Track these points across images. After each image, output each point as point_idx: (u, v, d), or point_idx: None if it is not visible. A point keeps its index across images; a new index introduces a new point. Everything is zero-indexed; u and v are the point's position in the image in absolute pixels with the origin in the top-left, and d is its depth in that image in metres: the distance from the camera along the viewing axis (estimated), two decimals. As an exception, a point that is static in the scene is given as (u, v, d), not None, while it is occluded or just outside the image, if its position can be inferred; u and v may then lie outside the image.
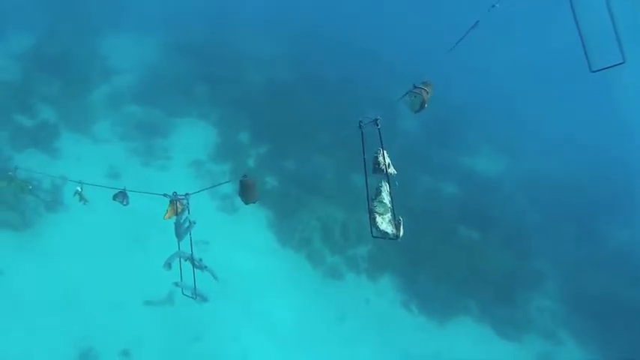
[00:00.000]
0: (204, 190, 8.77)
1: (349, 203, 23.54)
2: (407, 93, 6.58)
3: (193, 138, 25.53)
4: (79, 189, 8.92)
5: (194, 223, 8.75)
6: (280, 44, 35.06)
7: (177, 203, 8.49)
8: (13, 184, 8.84)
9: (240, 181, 7.91)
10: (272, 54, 33.64)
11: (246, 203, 8.04)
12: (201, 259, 9.20)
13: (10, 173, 8.76)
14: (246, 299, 18.35)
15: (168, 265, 9.43)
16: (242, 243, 20.43)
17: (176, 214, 8.75)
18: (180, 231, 8.98)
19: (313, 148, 25.76)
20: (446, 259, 22.87)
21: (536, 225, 27.35)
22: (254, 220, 22.07)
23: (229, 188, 23.07)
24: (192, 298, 9.19)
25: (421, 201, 25.96)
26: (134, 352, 15.39)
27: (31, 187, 8.92)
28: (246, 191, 8.00)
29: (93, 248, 17.46)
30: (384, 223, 7.14)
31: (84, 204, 8.96)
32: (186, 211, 8.70)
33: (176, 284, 9.32)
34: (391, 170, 6.96)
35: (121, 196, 8.94)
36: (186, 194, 8.45)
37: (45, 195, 18.05)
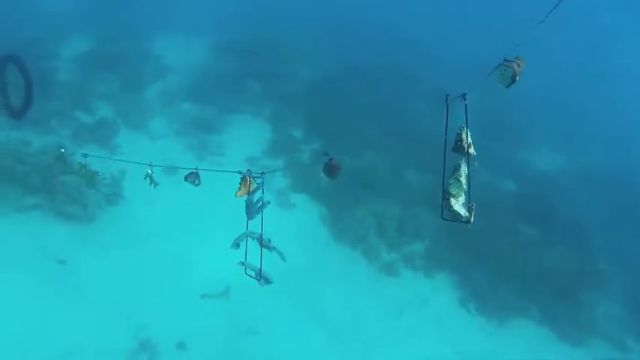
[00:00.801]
0: (278, 170, 8.47)
1: (404, 199, 23.09)
2: (497, 67, 6.13)
3: (246, 134, 25.62)
4: (149, 172, 8.84)
5: (268, 202, 8.51)
6: (331, 37, 34.83)
7: (250, 181, 8.30)
8: (84, 172, 8.85)
9: (326, 164, 7.66)
10: (322, 48, 33.42)
11: (332, 179, 7.82)
12: (269, 240, 8.94)
13: (79, 162, 8.77)
14: (302, 294, 18.09)
15: (237, 244, 9.25)
16: (298, 238, 20.20)
17: (248, 192, 8.56)
18: (251, 210, 8.77)
19: (366, 143, 25.36)
20: (505, 258, 21.95)
21: (599, 223, 25.85)
22: (309, 215, 21.89)
23: (284, 183, 23.09)
24: (255, 279, 8.94)
25: (477, 197, 25.13)
26: (190, 344, 15.36)
27: (100, 174, 8.87)
28: (332, 172, 7.77)
29: (152, 241, 17.70)
30: (458, 205, 6.70)
31: (154, 187, 8.88)
32: (260, 191, 8.49)
33: (241, 264, 9.11)
34: (472, 151, 6.53)
35: (193, 176, 8.84)
36: (262, 173, 8.23)
37: (106, 188, 18.40)
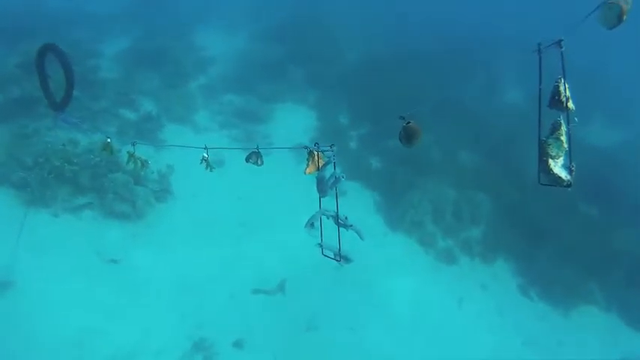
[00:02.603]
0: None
1: (458, 181, 22.02)
2: (600, 5, 5.17)
3: (293, 122, 24.92)
4: (205, 155, 8.17)
5: (342, 177, 7.67)
6: (374, 19, 33.76)
7: (319, 156, 7.50)
8: (134, 160, 8.31)
9: (404, 128, 6.70)
10: (366, 30, 32.40)
11: (409, 147, 6.85)
12: (346, 217, 8.13)
13: (129, 151, 8.23)
14: (361, 286, 17.25)
15: (311, 224, 8.46)
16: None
17: (318, 168, 7.77)
18: (324, 187, 7.97)
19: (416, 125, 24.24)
20: (566, 241, 20.70)
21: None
22: (362, 203, 21.07)
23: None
24: (334, 259, 8.21)
25: (532, 177, 23.84)
26: (247, 342, 14.77)
27: (150, 162, 8.29)
28: (411, 137, 6.80)
29: (202, 236, 17.18)
30: (557, 167, 5.82)
31: (210, 171, 8.22)
32: (331, 165, 7.68)
33: (319, 245, 8.36)
34: (571, 105, 5.60)
35: (255, 156, 8.07)
36: (332, 145, 7.40)
37: (154, 184, 18.03)
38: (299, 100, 26.81)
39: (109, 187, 17.20)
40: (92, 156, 17.73)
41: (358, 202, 21.04)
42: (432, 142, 23.44)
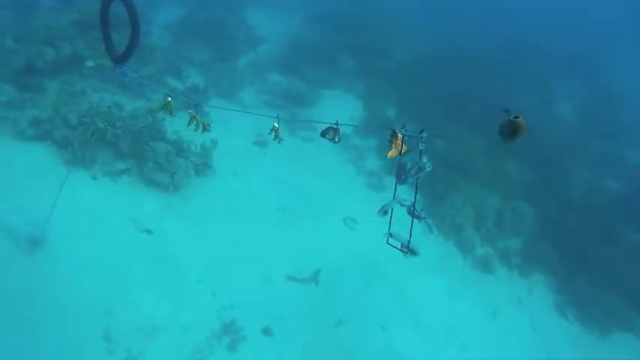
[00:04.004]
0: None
1: (503, 190, 21.21)
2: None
3: (338, 110, 24.18)
4: (276, 125, 7.70)
5: (428, 166, 7.16)
6: (431, 14, 32.89)
7: (402, 140, 7.01)
8: (196, 122, 7.87)
9: (510, 122, 6.12)
10: (422, 25, 31.60)
11: (508, 142, 6.31)
12: (422, 209, 7.66)
13: (190, 111, 7.78)
14: (395, 285, 16.62)
15: (384, 211, 8.03)
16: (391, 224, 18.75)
17: (400, 153, 7.25)
18: (404, 174, 7.47)
19: (465, 128, 23.50)
20: (608, 264, 19.80)
21: None
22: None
23: (376, 164, 21.73)
24: (401, 250, 7.77)
25: (579, 196, 23.06)
26: (276, 330, 14.29)
27: (212, 127, 7.85)
28: (515, 133, 6.22)
29: (240, 216, 16.65)
30: None
31: (279, 142, 7.77)
32: (416, 153, 7.17)
33: (389, 234, 7.91)
34: None
35: (332, 132, 7.57)
36: (422, 131, 6.88)
37: (195, 157, 17.61)
38: (347, 89, 26.22)
39: (150, 155, 16.79)
40: (136, 122, 17.38)
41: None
42: (480, 147, 22.64)
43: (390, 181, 21.03)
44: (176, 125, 18.14)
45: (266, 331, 14.10)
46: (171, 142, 17.34)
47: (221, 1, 29.34)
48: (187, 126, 8.17)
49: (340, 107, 24.51)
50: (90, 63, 8.05)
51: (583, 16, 40.39)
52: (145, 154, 16.75)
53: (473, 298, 17.83)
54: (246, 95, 23.52)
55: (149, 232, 15.38)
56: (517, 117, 6.03)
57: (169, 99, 8.39)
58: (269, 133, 7.89)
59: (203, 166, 17.69)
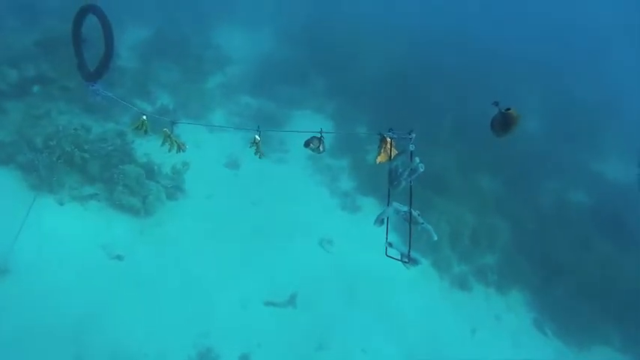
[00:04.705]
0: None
1: (477, 206, 21.31)
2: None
3: (309, 130, 24.14)
4: (257, 137, 7.42)
5: (420, 168, 6.96)
6: (398, 33, 33.21)
7: (392, 144, 6.86)
8: (170, 141, 7.52)
9: (502, 114, 6.03)
10: (390, 43, 31.82)
11: (501, 136, 6.25)
12: (419, 214, 7.42)
13: (165, 129, 7.44)
14: (374, 307, 16.44)
15: (381, 220, 7.78)
16: (367, 245, 18.54)
17: (390, 158, 7.08)
18: (397, 179, 7.26)
19: (435, 144, 23.62)
20: (584, 278, 20.03)
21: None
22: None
23: (349, 185, 21.61)
24: (400, 261, 7.53)
25: (549, 209, 23.39)
26: (255, 357, 13.86)
27: (187, 147, 7.52)
28: (508, 126, 6.13)
29: (214, 240, 16.25)
30: None
31: (259, 157, 7.48)
32: (406, 155, 7.00)
33: (390, 244, 7.67)
34: None
35: (317, 141, 7.37)
36: (411, 132, 6.74)
37: (167, 180, 17.17)
38: (317, 109, 26.17)
39: (120, 178, 16.29)
40: (104, 144, 16.90)
41: (373, 219, 20.19)
42: (452, 163, 22.79)
43: (364, 201, 21.08)
44: (146, 148, 17.82)
45: (244, 359, 13.63)
46: (142, 165, 16.89)
47: (188, 21, 29.18)
48: (161, 145, 7.87)
49: (311, 127, 24.26)
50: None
51: (551, 30, 41.36)
52: (115, 178, 16.24)
53: (452, 317, 17.76)
54: (216, 117, 23.18)
55: (120, 258, 14.87)
56: (508, 109, 5.99)
57: (144, 117, 8.07)
58: (250, 147, 7.61)
59: (175, 189, 17.27)
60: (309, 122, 25.02)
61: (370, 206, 20.70)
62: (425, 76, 28.92)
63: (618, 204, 24.40)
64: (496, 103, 6.15)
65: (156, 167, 17.24)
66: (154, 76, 23.53)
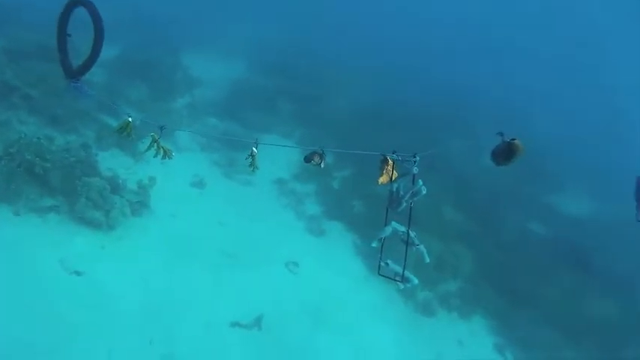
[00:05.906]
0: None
1: (442, 234, 21.53)
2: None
3: (276, 156, 24.02)
4: (254, 150, 7.29)
5: (422, 191, 6.98)
6: (368, 69, 33.94)
7: (393, 166, 6.86)
8: (157, 147, 7.26)
9: (507, 144, 6.16)
10: (357, 75, 32.45)
11: (501, 165, 6.37)
12: (415, 235, 7.46)
13: (153, 134, 7.20)
14: (340, 329, 16.18)
15: (379, 240, 7.74)
16: (332, 268, 18.44)
17: (391, 179, 7.06)
18: (399, 200, 7.26)
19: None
20: (544, 305, 20.55)
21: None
22: (342, 244, 20.21)
23: (315, 209, 21.54)
24: (393, 279, 7.59)
25: (511, 239, 23.82)
26: (218, 381, 13.35)
27: (174, 154, 7.30)
28: (511, 155, 6.25)
29: (180, 258, 15.75)
30: None
31: (253, 170, 7.31)
32: (408, 177, 7.02)
33: (386, 264, 7.62)
34: None
35: (318, 157, 7.29)
36: (415, 154, 6.73)
37: (132, 195, 16.63)
38: (284, 134, 26.23)
39: (82, 191, 15.65)
40: (67, 155, 16.29)
41: (338, 243, 20.25)
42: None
43: (329, 226, 21.00)
44: (110, 162, 17.33)
45: (207, 382, 13.11)
46: (106, 179, 16.33)
47: (159, 42, 29.02)
48: (146, 150, 7.63)
49: (277, 152, 24.21)
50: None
51: (512, 68, 43.16)
52: (77, 190, 15.59)
53: (417, 342, 17.64)
54: (182, 137, 22.73)
55: (78, 273, 14.14)
56: (514, 139, 6.16)
57: (129, 119, 7.85)
58: (246, 159, 7.48)
59: (140, 204, 16.72)
60: (276, 148, 24.93)
61: (335, 231, 20.70)
62: (390, 109, 29.52)
63: (575, 234, 25.24)
64: (501, 134, 6.40)
65: (121, 181, 16.75)
66: (120, 93, 23.08)
